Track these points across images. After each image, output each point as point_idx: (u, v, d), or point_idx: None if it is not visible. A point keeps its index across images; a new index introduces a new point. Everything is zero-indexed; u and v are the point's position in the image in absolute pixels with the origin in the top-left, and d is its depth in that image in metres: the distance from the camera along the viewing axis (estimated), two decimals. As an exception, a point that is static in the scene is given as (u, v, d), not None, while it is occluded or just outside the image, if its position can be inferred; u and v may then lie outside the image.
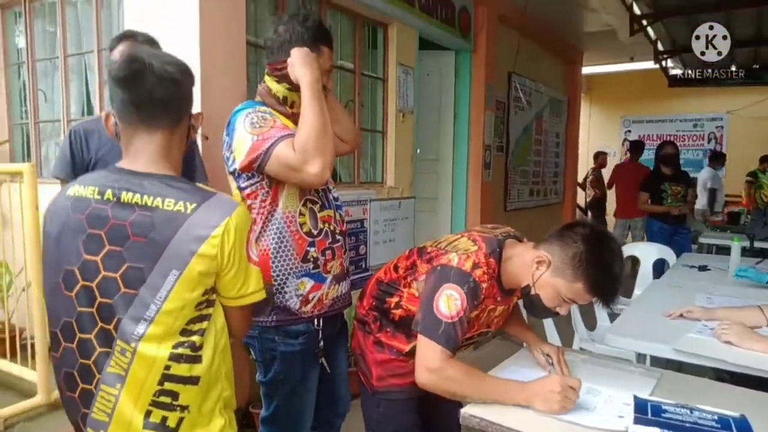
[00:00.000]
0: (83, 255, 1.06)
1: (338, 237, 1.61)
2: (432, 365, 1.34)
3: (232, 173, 1.53)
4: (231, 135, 1.50)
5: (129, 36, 2.06)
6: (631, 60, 7.75)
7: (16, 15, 3.83)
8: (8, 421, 2.56)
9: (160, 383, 1.04)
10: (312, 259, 1.53)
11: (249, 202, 1.52)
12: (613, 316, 3.42)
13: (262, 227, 1.50)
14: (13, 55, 3.93)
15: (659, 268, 4.08)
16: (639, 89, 9.33)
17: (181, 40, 2.51)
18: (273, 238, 1.49)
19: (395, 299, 1.56)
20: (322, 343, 1.59)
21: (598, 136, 10.00)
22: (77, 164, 2.08)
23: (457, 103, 4.89)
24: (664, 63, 7.25)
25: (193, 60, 2.47)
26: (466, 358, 1.43)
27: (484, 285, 1.39)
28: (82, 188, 1.09)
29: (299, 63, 1.48)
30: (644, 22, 5.56)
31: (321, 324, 1.57)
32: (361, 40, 3.70)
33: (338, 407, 1.78)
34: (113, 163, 1.14)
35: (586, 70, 8.06)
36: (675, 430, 1.08)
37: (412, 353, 1.45)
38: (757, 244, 4.46)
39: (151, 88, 1.06)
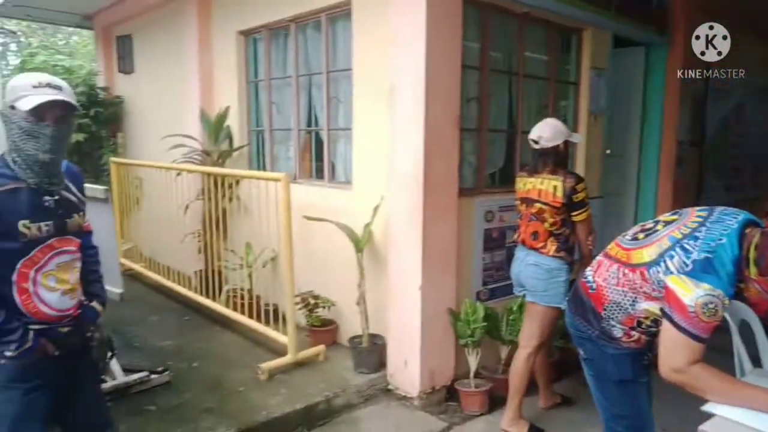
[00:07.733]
0: None
1: None
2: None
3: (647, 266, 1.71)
4: (696, 271, 1.59)
5: None
6: None
7: (256, 41, 4.63)
8: (270, 372, 3.25)
9: None
10: None
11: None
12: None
13: None
14: (251, 74, 4.75)
15: None
16: None
17: (409, 61, 2.99)
18: None
19: None
20: None
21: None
22: None
23: (646, 100, 4.77)
24: None
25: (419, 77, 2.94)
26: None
27: None
28: None
29: None
30: None
31: None
32: (555, 47, 3.84)
33: None
34: None
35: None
36: None
37: None
38: None
39: None
